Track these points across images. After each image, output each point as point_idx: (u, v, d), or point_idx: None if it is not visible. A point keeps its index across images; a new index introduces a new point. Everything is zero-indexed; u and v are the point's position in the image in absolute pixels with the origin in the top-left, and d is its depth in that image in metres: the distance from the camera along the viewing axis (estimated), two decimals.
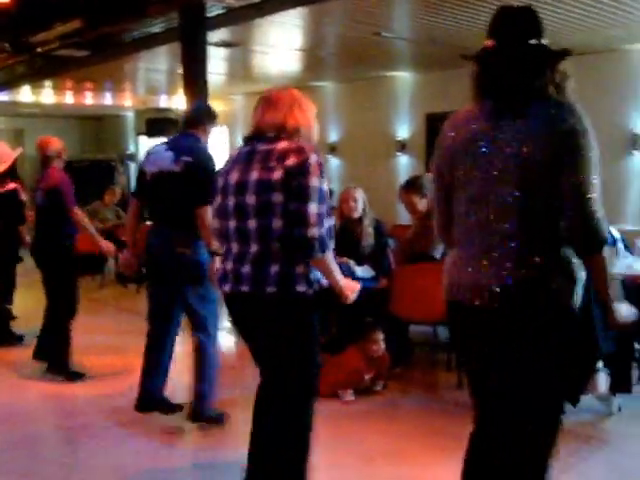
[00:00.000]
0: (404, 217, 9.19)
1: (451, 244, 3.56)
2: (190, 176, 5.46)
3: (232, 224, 4.12)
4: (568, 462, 5.19)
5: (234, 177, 4.11)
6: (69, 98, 18.09)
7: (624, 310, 3.43)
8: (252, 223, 4.00)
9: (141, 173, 5.80)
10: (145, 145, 21.04)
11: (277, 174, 3.91)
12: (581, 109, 3.13)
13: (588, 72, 11.00)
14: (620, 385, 6.23)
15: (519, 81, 3.16)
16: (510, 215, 3.14)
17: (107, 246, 7.44)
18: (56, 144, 7.33)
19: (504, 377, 3.32)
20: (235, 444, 4.96)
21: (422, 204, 7.27)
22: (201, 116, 5.88)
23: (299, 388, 4.22)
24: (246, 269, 4.05)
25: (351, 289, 4.25)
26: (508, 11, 3.28)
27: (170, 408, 5.94)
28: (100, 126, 24.09)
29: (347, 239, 7.62)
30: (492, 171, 3.18)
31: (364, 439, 5.72)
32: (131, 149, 22.99)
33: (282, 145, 3.99)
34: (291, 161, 3.90)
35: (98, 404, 6.47)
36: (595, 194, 3.07)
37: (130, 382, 5.96)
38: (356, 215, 7.63)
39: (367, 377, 6.65)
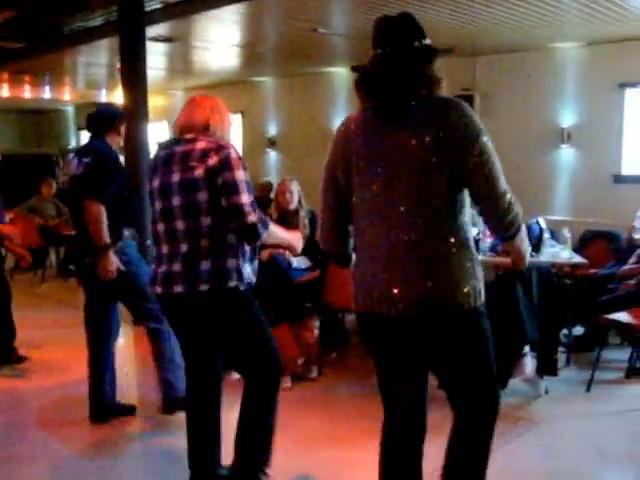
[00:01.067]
0: None
1: (341, 255, 3.64)
2: (89, 176, 5.39)
3: (161, 227, 4.16)
4: (497, 442, 5.25)
5: (156, 182, 4.16)
6: (6, 91, 17.74)
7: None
8: (180, 224, 4.05)
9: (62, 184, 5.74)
10: (86, 140, 20.81)
11: (198, 172, 3.96)
12: (467, 105, 3.16)
13: (519, 69, 11.17)
14: (546, 368, 6.37)
15: (399, 84, 3.17)
16: (409, 223, 3.15)
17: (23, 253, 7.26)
18: None
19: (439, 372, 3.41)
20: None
21: None
22: (108, 120, 5.73)
23: (262, 375, 4.30)
24: (176, 267, 4.08)
25: (297, 239, 4.43)
26: (388, 20, 3.32)
27: (123, 412, 5.87)
28: (39, 120, 23.71)
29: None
30: (387, 179, 3.18)
31: (303, 424, 5.76)
32: (72, 143, 22.67)
33: (201, 145, 4.04)
34: (212, 160, 3.96)
35: (39, 397, 6.37)
36: (505, 187, 3.13)
37: (71, 375, 5.89)
38: (292, 207, 7.66)
39: (299, 362, 6.73)
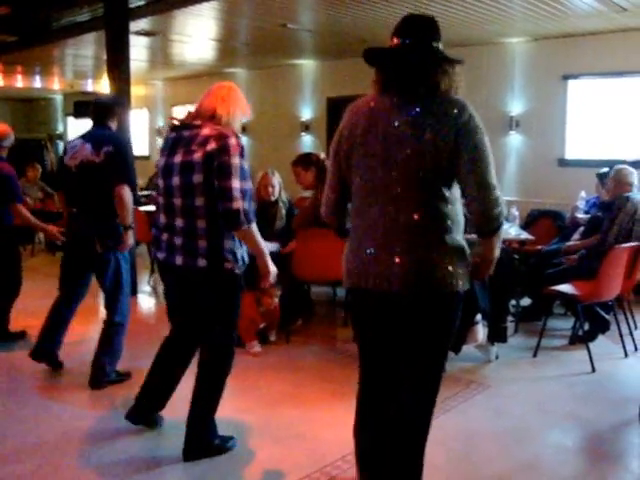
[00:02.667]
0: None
1: (342, 229, 3.54)
2: (111, 164, 5.38)
3: (161, 200, 4.21)
4: (450, 404, 5.33)
5: (162, 162, 4.21)
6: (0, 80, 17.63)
7: None
8: (177, 201, 4.07)
9: (63, 167, 5.65)
10: (73, 125, 20.75)
11: (197, 156, 3.96)
12: (471, 106, 3.11)
13: (470, 62, 11.09)
14: (497, 336, 6.40)
15: (419, 77, 3.12)
16: (404, 204, 3.11)
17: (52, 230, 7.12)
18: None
19: (410, 347, 3.31)
20: None
21: (308, 176, 7.36)
22: (110, 109, 5.74)
23: (222, 346, 4.33)
24: (178, 241, 4.10)
25: (273, 272, 4.30)
26: (416, 17, 3.28)
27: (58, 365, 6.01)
28: (30, 107, 23.48)
29: (261, 219, 7.67)
30: (386, 161, 3.14)
31: (269, 386, 5.77)
32: (60, 129, 22.61)
33: (205, 131, 4.03)
34: (211, 145, 3.95)
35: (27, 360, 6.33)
36: (495, 182, 3.11)
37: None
38: (273, 198, 7.64)
39: (261, 326, 6.79)
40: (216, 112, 4.13)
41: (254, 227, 4.10)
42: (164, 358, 4.59)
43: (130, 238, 5.53)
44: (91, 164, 5.42)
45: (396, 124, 3.12)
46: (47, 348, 5.90)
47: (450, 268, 3.11)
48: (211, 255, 4.04)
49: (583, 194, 8.45)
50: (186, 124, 4.19)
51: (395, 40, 3.19)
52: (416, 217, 3.08)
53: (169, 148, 4.19)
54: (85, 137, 5.63)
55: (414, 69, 3.13)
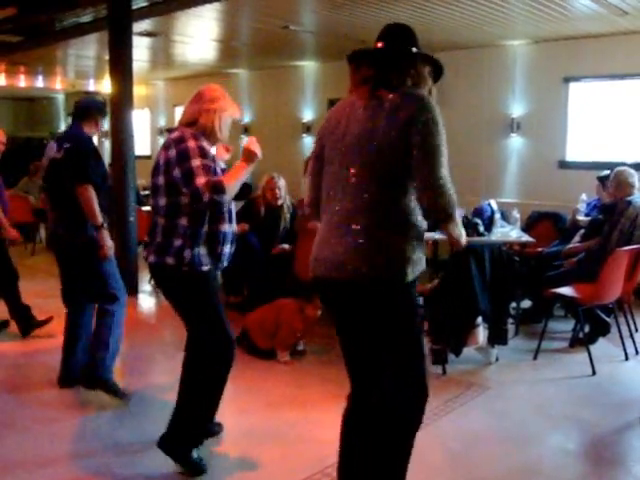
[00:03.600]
0: None
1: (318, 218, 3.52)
2: (69, 160, 5.30)
3: (151, 202, 4.25)
4: (451, 406, 5.32)
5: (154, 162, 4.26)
6: (2, 80, 17.60)
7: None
8: (162, 200, 4.11)
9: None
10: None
11: (162, 159, 4.10)
12: (431, 100, 3.16)
13: (471, 65, 11.16)
14: (497, 338, 6.39)
15: (391, 74, 3.22)
16: (355, 194, 3.17)
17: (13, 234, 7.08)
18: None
19: (365, 339, 3.33)
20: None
21: None
22: (90, 111, 5.63)
23: (213, 343, 4.25)
24: (157, 240, 4.15)
25: (252, 143, 4.17)
26: (397, 25, 3.43)
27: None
28: (32, 107, 23.50)
29: (268, 224, 7.68)
30: (344, 150, 3.24)
31: (270, 388, 5.75)
32: (61, 128, 22.48)
33: (174, 135, 4.12)
34: (170, 151, 4.04)
35: (29, 361, 6.31)
36: (445, 174, 3.08)
37: (59, 341, 5.82)
38: (280, 202, 7.60)
39: (298, 335, 6.51)
40: (198, 121, 4.18)
41: (230, 185, 3.98)
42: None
43: (106, 238, 5.34)
44: (55, 161, 5.39)
45: (358, 117, 3.22)
46: (70, 373, 5.66)
47: (400, 260, 3.14)
48: (179, 255, 4.05)
49: (584, 197, 8.44)
50: (172, 127, 4.36)
51: (379, 44, 3.34)
52: (362, 208, 3.16)
53: (159, 149, 4.27)
54: (56, 137, 5.69)
55: (385, 66, 3.25)
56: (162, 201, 4.08)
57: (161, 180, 4.07)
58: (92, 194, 5.24)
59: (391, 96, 3.15)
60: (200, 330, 4.25)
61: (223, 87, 4.36)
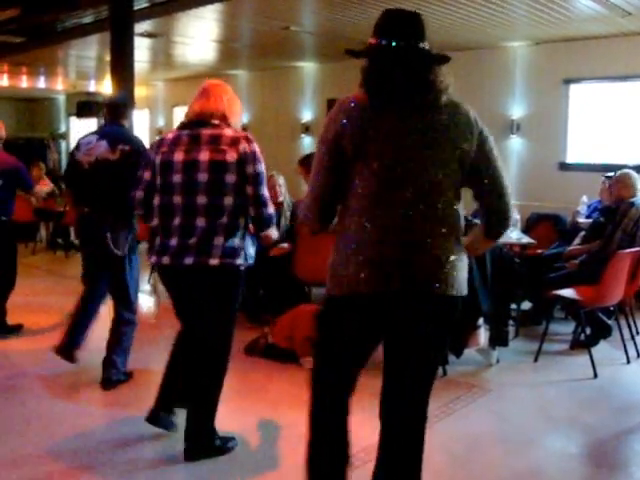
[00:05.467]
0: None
1: (325, 227, 3.20)
2: (128, 163, 5.27)
3: (177, 199, 4.10)
4: (452, 407, 5.29)
5: (179, 157, 4.09)
6: (5, 81, 17.64)
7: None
8: (201, 199, 4.03)
9: (75, 163, 5.56)
10: (75, 125, 20.80)
11: (230, 157, 4.01)
12: (472, 111, 3.02)
13: (472, 66, 11.12)
14: (498, 340, 6.36)
15: (410, 79, 2.88)
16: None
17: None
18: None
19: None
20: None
21: None
22: (126, 107, 5.76)
23: (221, 343, 4.28)
24: (192, 241, 4.04)
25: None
26: (397, 14, 3.02)
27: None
28: (33, 107, 23.52)
29: None
30: (390, 164, 2.91)
31: (270, 387, 5.75)
32: (62, 129, 22.65)
33: (229, 132, 4.08)
34: (242, 147, 4.03)
35: (29, 357, 6.28)
36: (507, 182, 3.05)
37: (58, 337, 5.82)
38: (280, 199, 7.57)
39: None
40: (226, 114, 4.18)
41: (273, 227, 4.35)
42: (179, 353, 4.53)
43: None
44: (106, 161, 5.36)
45: (407, 129, 2.90)
46: (68, 343, 5.74)
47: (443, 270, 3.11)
48: (224, 254, 4.04)
49: (585, 199, 8.42)
50: (202, 122, 4.14)
51: (374, 39, 3.01)
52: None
53: (188, 144, 4.09)
54: (99, 134, 5.56)
55: (403, 72, 2.89)
56: (229, 200, 4.03)
57: (231, 178, 4.02)
58: None
59: (432, 108, 2.93)
60: (218, 326, 4.27)
61: None
